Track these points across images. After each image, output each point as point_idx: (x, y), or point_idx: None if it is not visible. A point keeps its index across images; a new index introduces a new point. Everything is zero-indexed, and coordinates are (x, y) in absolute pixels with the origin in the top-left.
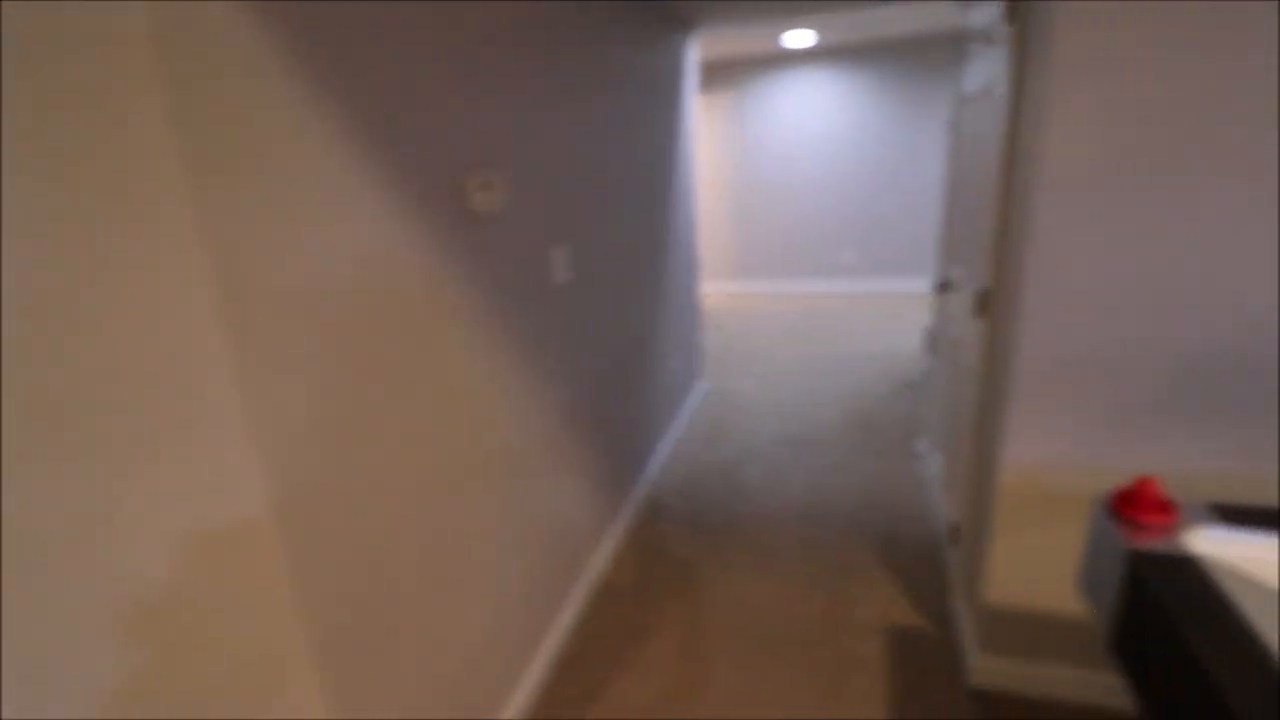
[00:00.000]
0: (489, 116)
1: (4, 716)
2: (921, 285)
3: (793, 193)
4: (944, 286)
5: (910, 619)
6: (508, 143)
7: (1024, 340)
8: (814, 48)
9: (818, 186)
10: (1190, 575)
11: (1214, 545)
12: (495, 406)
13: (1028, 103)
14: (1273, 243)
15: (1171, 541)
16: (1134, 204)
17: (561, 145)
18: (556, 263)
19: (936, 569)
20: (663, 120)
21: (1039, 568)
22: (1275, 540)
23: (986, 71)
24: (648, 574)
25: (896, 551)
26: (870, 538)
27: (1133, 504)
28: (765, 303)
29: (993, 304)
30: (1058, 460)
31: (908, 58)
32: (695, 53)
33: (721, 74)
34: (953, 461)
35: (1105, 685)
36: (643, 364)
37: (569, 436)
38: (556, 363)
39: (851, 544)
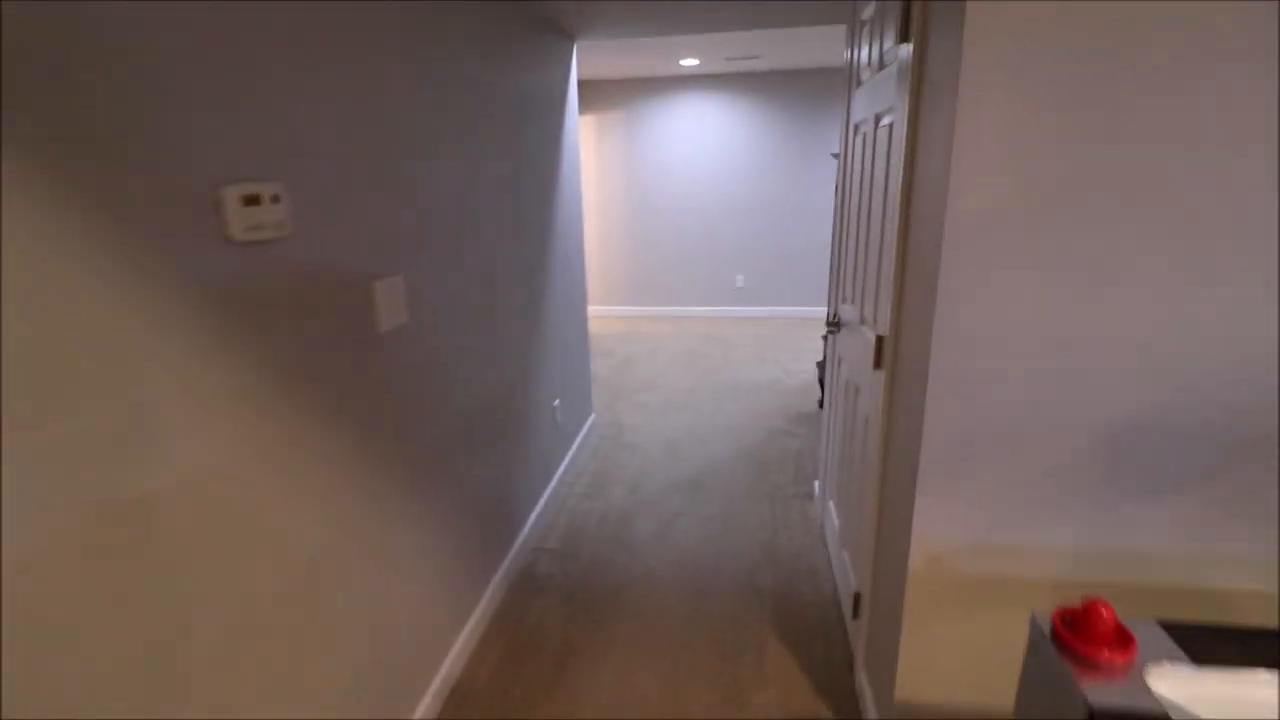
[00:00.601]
0: (268, 116)
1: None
2: (812, 311)
3: (684, 216)
4: (834, 325)
5: (813, 705)
6: (302, 147)
7: (931, 404)
8: (708, 72)
9: (710, 211)
10: None
11: (1184, 689)
12: (291, 513)
13: (928, 129)
14: (1212, 303)
15: (1133, 686)
16: (1055, 250)
17: (396, 157)
18: (384, 302)
19: (838, 641)
20: (541, 134)
21: (955, 661)
22: (1247, 677)
23: (876, 98)
24: (516, 668)
25: (795, 619)
26: (768, 602)
27: (1083, 634)
28: (657, 327)
29: (891, 355)
30: (973, 539)
31: (802, 85)
32: (576, 66)
33: (610, 92)
34: (851, 518)
35: None
36: (516, 411)
37: (412, 517)
38: (390, 431)
39: (748, 610)
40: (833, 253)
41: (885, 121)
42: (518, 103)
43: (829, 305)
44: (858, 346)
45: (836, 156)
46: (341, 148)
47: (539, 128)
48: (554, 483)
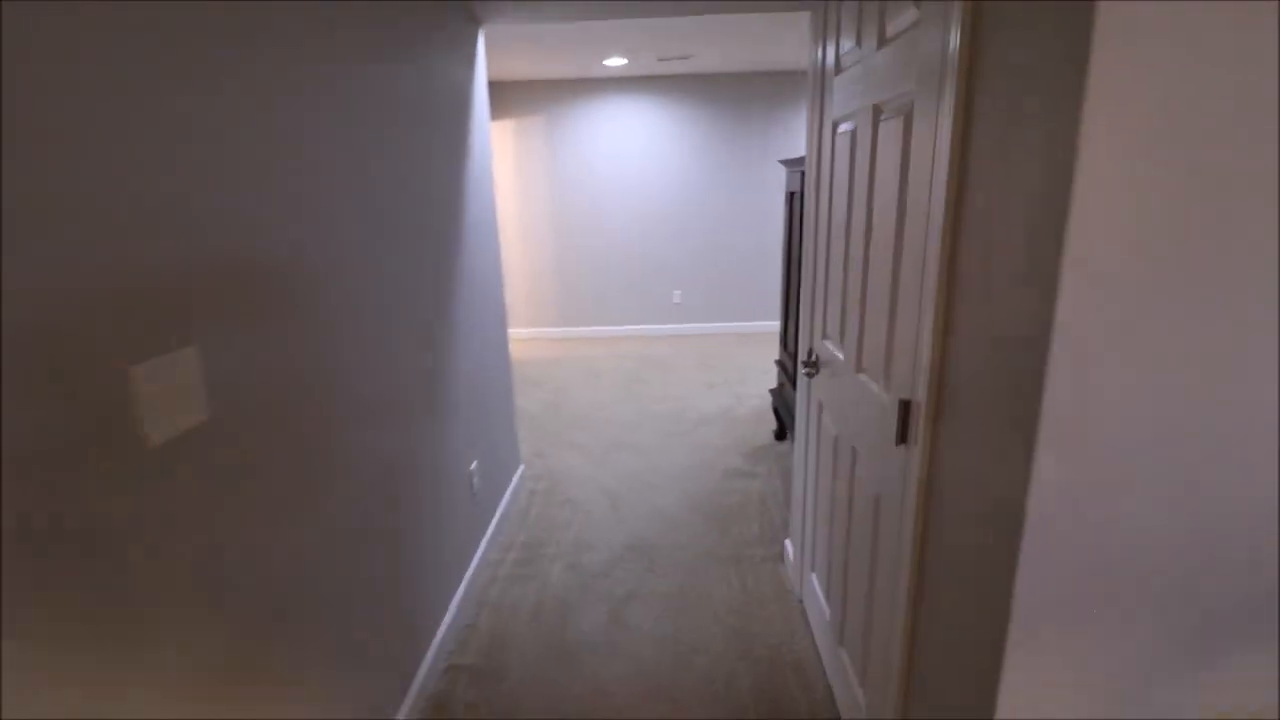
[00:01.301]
0: None
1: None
2: (755, 327)
3: (615, 229)
4: (811, 366)
5: None
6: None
7: (1033, 531)
8: (637, 74)
9: (643, 223)
10: None
11: None
12: None
13: (996, 144)
14: None
15: None
16: (1213, 327)
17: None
18: (155, 396)
19: None
20: (441, 138)
21: None
22: None
23: (876, 83)
24: None
25: None
26: (749, 715)
27: None
28: (591, 349)
29: (929, 432)
30: (1096, 709)
31: (740, 89)
32: (485, 60)
33: (528, 95)
34: (854, 614)
35: None
36: (417, 492)
37: (262, 672)
38: (181, 598)
39: None
40: (800, 274)
41: (894, 116)
42: (408, 98)
43: (802, 338)
44: (854, 399)
45: (789, 163)
46: (69, 145)
47: (437, 129)
48: (474, 565)
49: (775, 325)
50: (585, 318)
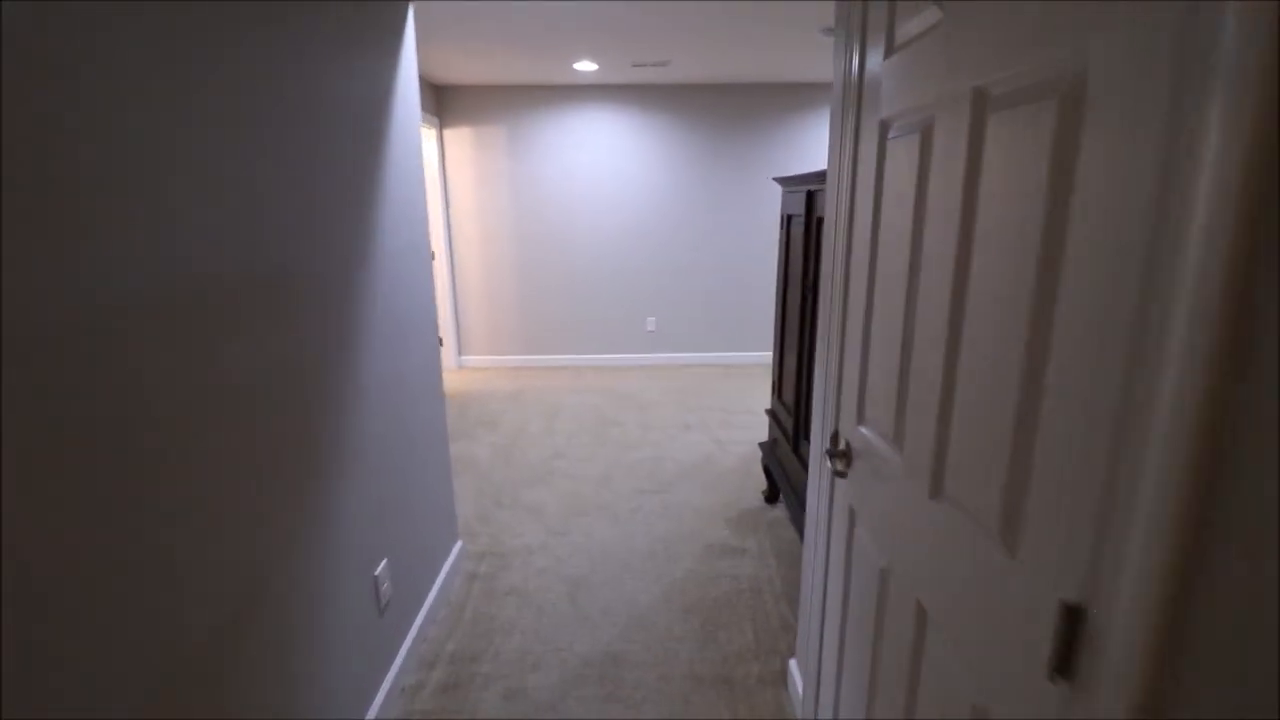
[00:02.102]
0: None
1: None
2: (736, 358)
3: (585, 250)
4: (840, 458)
5: None
6: None
7: None
8: (610, 81)
9: (616, 244)
10: None
11: None
12: None
13: None
14: None
15: None
16: None
17: None
18: None
19: None
20: (349, 144)
21: None
22: None
23: (995, 53)
24: None
25: None
26: None
27: None
28: (555, 380)
29: (1149, 677)
30: None
31: (724, 101)
32: (415, 41)
33: (487, 100)
34: None
35: None
36: (290, 616)
37: None
38: None
39: None
40: (811, 316)
41: (1030, 101)
42: (294, 95)
43: (819, 414)
44: (922, 531)
45: (786, 182)
46: None
47: (342, 134)
48: (380, 697)
49: (759, 356)
50: (549, 345)
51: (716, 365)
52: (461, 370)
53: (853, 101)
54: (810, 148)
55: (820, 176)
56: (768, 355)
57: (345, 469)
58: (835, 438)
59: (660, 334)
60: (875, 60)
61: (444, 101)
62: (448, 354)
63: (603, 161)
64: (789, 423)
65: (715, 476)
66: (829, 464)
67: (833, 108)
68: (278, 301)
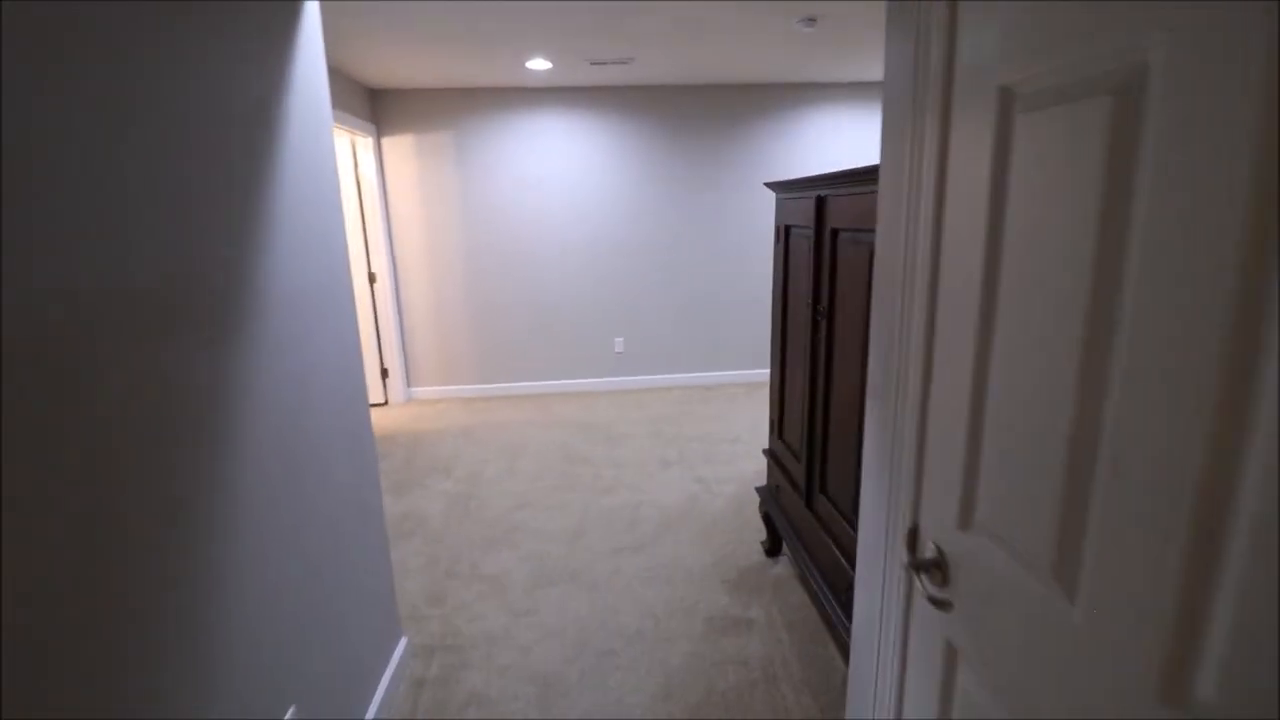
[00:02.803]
0: None
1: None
2: (713, 378)
3: (544, 267)
4: (932, 571)
5: None
6: None
7: None
8: (567, 83)
9: (578, 260)
10: None
11: None
12: None
13: None
14: None
15: None
16: None
17: None
18: None
19: None
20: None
21: None
22: None
23: None
24: None
25: None
26: None
27: None
28: (516, 412)
29: None
30: None
31: (694, 103)
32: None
33: (430, 106)
34: None
35: None
36: None
37: None
38: None
39: None
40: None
41: None
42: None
43: (877, 498)
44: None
45: (782, 188)
46: None
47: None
48: None
49: (738, 376)
50: (507, 373)
51: (692, 387)
52: (410, 404)
53: (936, 72)
54: (792, 153)
55: (837, 179)
56: (748, 374)
57: (224, 608)
58: (915, 537)
59: (629, 355)
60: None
61: (381, 107)
62: (395, 387)
63: (561, 171)
64: (798, 470)
65: (704, 525)
66: (915, 580)
67: (888, 91)
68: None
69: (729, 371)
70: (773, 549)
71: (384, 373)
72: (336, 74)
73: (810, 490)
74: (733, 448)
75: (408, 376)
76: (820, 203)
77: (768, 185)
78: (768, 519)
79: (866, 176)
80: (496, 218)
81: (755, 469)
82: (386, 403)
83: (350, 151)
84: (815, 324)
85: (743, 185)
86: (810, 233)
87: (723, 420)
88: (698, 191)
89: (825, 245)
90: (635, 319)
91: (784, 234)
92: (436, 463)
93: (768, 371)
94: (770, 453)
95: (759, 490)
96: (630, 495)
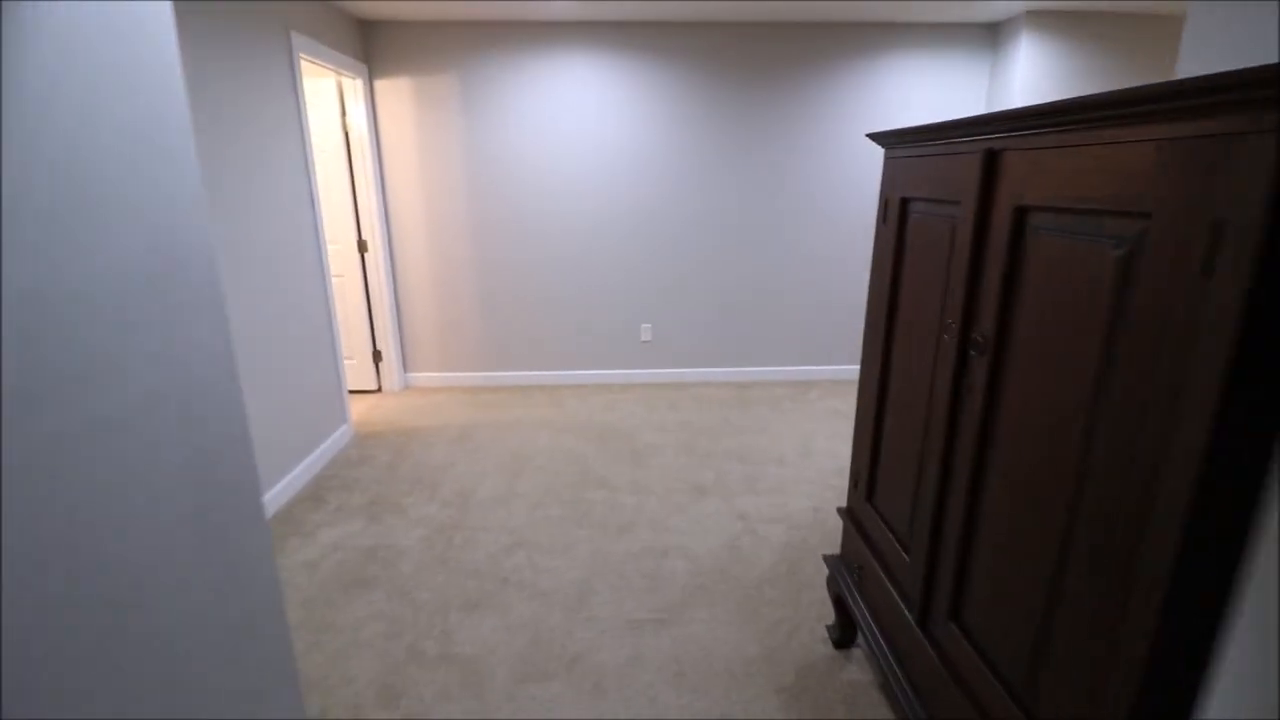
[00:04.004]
0: None
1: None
2: (758, 374)
3: (561, 239)
4: None
5: None
6: None
7: None
8: (594, 18)
9: (602, 231)
10: None
11: None
12: None
13: None
14: None
15: None
16: None
17: None
18: None
19: None
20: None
21: None
22: None
23: None
24: None
25: None
26: None
27: None
28: (521, 409)
29: None
30: None
31: (756, 42)
32: None
33: (428, 42)
34: None
35: None
36: None
37: None
38: None
39: None
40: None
41: None
42: None
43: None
44: None
45: (895, 140)
46: None
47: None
48: None
49: (784, 373)
50: (517, 359)
51: (728, 384)
52: (406, 393)
53: None
54: (879, 110)
55: (1035, 118)
56: (792, 371)
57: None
58: None
59: (657, 345)
60: None
61: (374, 43)
62: (389, 373)
63: (586, 124)
64: (905, 567)
65: (747, 587)
66: None
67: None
68: None
69: (771, 368)
70: (844, 639)
71: (376, 356)
72: None
73: (929, 607)
74: (780, 471)
75: (404, 361)
76: (991, 161)
77: (875, 137)
78: (840, 603)
79: (1122, 105)
80: (508, 179)
81: (808, 504)
82: (380, 389)
83: (336, 96)
84: (962, 358)
85: (800, 148)
86: (961, 212)
87: (766, 433)
88: (752, 154)
89: (996, 234)
90: (666, 303)
91: (899, 210)
92: (423, 474)
93: (815, 369)
94: (850, 515)
95: (828, 561)
96: (653, 536)
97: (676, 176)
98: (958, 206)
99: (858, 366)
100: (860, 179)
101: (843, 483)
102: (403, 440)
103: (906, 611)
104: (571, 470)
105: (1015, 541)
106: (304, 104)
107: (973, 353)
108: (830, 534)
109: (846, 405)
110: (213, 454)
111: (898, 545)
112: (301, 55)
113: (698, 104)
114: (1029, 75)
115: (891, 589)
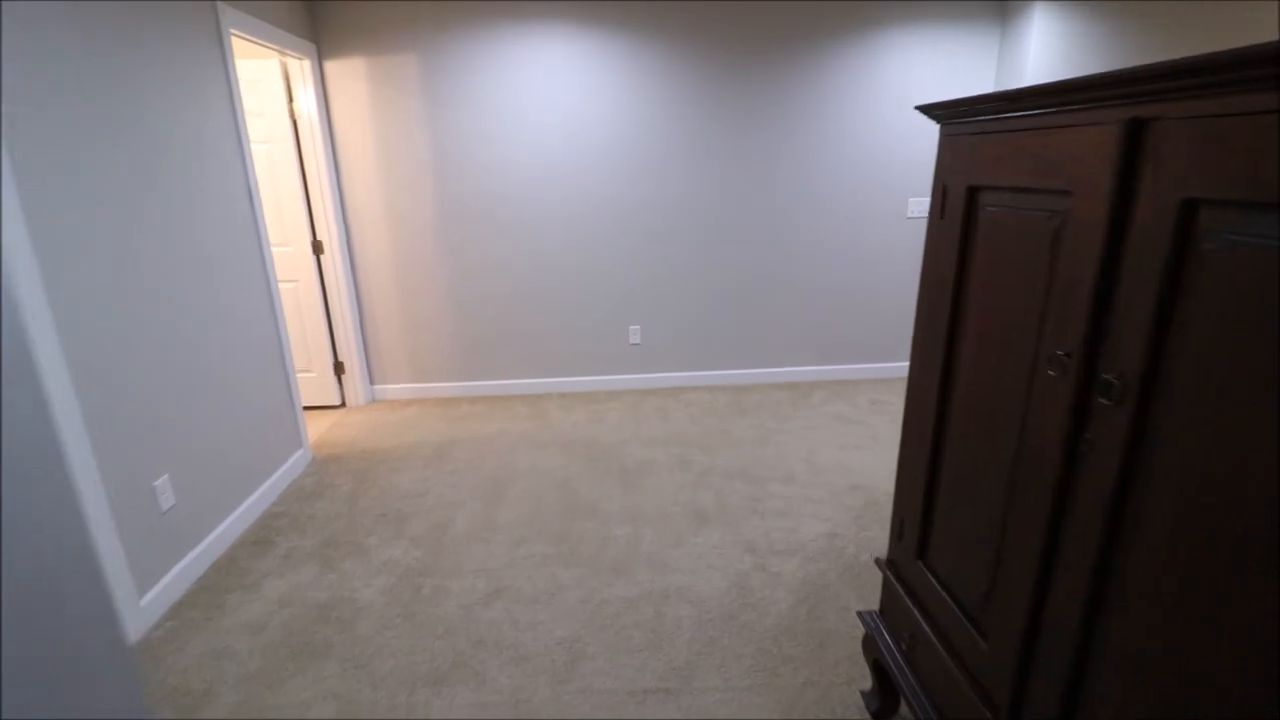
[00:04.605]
0: None
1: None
2: (753, 377)
3: (540, 234)
4: None
5: None
6: None
7: None
8: None
9: (585, 225)
10: None
11: None
12: None
13: None
14: None
15: None
16: None
17: None
18: None
19: None
20: None
21: None
22: None
23: None
24: None
25: None
26: None
27: None
28: (501, 422)
29: None
30: None
31: (754, 17)
32: None
33: (387, 17)
34: None
35: None
36: None
37: None
38: None
39: None
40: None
41: None
42: None
43: None
44: None
45: (956, 111)
46: None
47: None
48: None
49: (784, 374)
50: (494, 367)
51: (723, 388)
52: (374, 407)
53: None
54: (882, 91)
55: (1222, 68)
56: (795, 372)
57: None
58: None
59: (648, 348)
60: None
61: (322, 18)
62: (354, 386)
63: (565, 107)
64: (993, 673)
65: (763, 638)
66: None
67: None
68: None
69: (769, 369)
70: (884, 709)
71: (338, 368)
72: None
73: (1021, 716)
74: (786, 491)
75: (370, 372)
76: (1136, 134)
77: (926, 110)
78: (880, 668)
79: None
80: (479, 168)
81: (823, 530)
82: (343, 405)
83: (282, 80)
84: (1083, 403)
85: (797, 132)
86: (1074, 206)
87: (768, 445)
88: (742, 139)
89: (1144, 238)
90: (657, 303)
91: (965, 202)
92: (390, 505)
93: (817, 370)
94: (892, 570)
95: (864, 619)
96: (651, 577)
97: (665, 163)
98: (1068, 198)
99: (862, 366)
100: (863, 163)
101: (858, 502)
102: (367, 465)
103: (986, 710)
104: (557, 495)
105: (1171, 663)
106: (237, 88)
107: (1103, 399)
108: (852, 569)
109: (853, 409)
110: (42, 582)
111: (967, 623)
112: (234, 32)
113: (687, 85)
114: (1042, 56)
115: (959, 676)
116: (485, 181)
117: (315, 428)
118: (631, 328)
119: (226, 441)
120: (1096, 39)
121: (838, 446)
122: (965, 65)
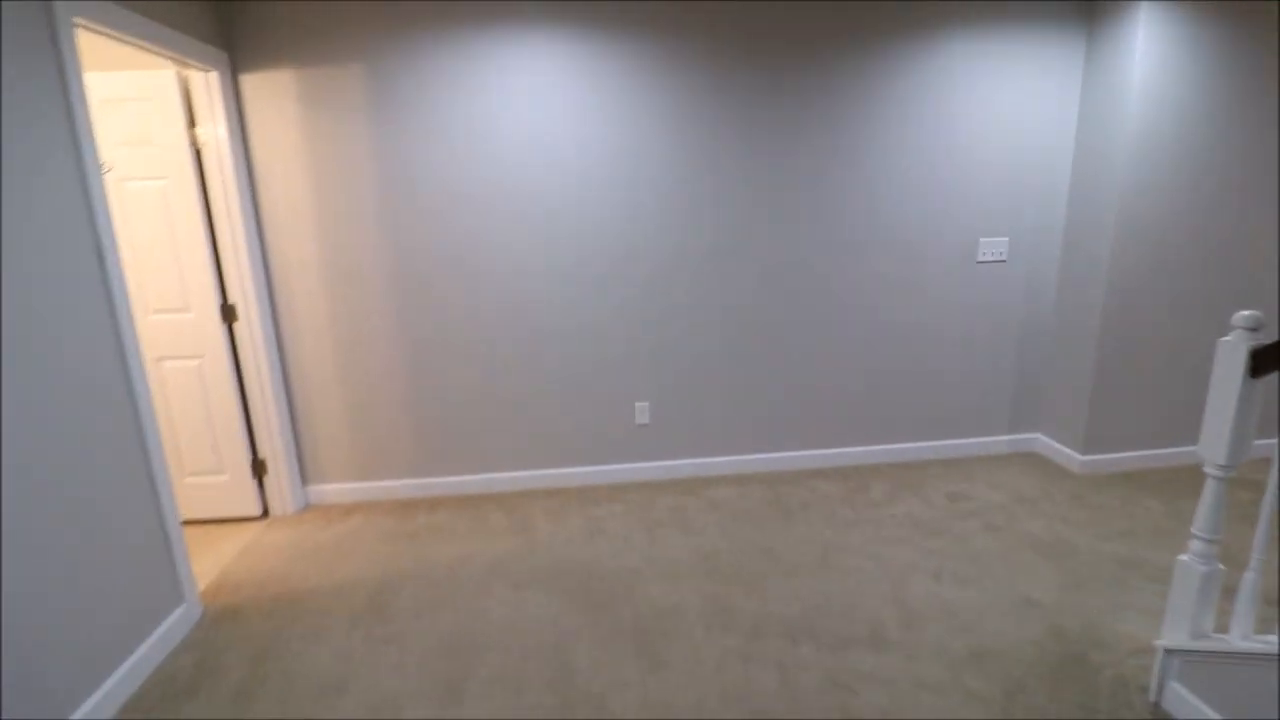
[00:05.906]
0: None
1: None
2: (791, 460)
3: (519, 290)
4: None
5: None
6: None
7: None
8: None
9: (576, 278)
10: None
11: None
12: None
13: None
14: None
15: None
16: None
17: None
18: None
19: None
20: None
21: None
22: None
23: None
24: None
25: None
26: None
27: None
28: (473, 537)
29: None
30: None
31: (780, 22)
32: None
33: (320, 19)
34: None
35: None
36: None
37: None
38: None
39: None
40: None
41: None
42: None
43: None
44: None
45: None
46: None
47: None
48: None
49: (829, 458)
50: (459, 460)
51: (755, 478)
52: (307, 515)
53: None
54: (958, 107)
55: None
56: (841, 455)
57: None
58: None
59: (658, 429)
60: None
61: (238, 20)
62: (278, 488)
63: (548, 135)
64: None
65: None
66: None
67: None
68: None
69: (808, 452)
70: None
71: (258, 467)
72: None
73: None
74: (880, 663)
75: (302, 470)
76: None
77: None
78: None
79: None
80: (440, 208)
81: (939, 711)
82: (265, 514)
83: (180, 98)
84: None
85: (843, 159)
86: None
87: (832, 570)
88: (772, 169)
89: None
90: (668, 373)
91: None
92: (292, 707)
93: (869, 451)
94: None
95: None
96: None
97: (676, 199)
98: None
99: (925, 444)
100: (927, 197)
101: (989, 687)
102: (274, 626)
103: None
104: (546, 681)
105: None
106: (82, 104)
107: None
108: None
109: (929, 509)
110: None
111: None
112: (80, 22)
113: (703, 104)
114: (1151, 65)
115: None
116: (451, 222)
117: (218, 556)
118: (638, 404)
119: (40, 614)
120: (1208, 45)
121: (930, 575)
122: (1043, 70)
